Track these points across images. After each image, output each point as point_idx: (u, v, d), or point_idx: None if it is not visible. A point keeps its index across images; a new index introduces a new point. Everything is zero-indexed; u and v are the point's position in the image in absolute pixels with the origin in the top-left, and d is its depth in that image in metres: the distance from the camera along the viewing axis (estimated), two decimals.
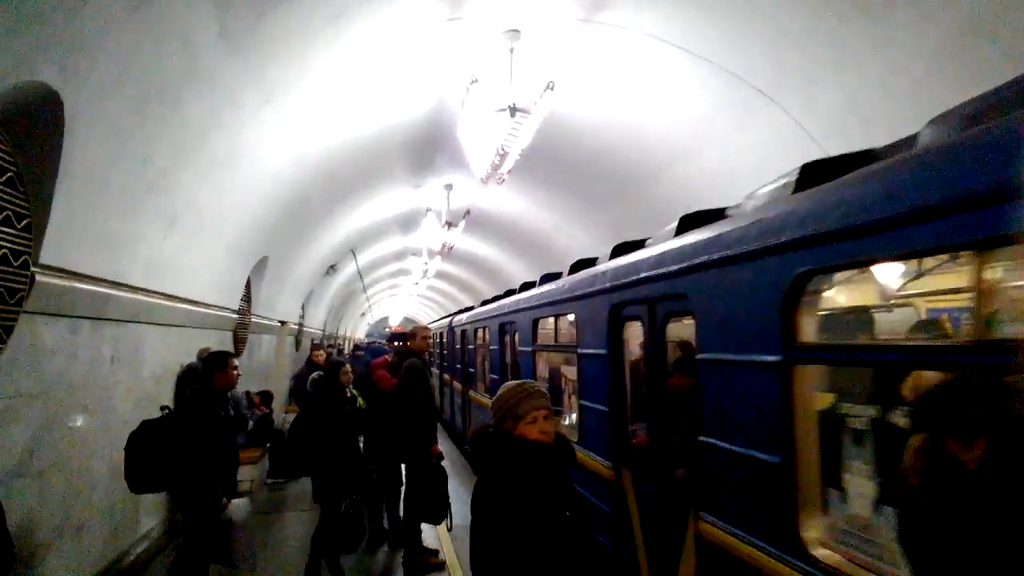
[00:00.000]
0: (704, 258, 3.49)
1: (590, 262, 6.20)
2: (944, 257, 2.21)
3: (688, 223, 3.97)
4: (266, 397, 10.84)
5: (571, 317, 5.94)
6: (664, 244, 4.17)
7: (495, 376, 9.56)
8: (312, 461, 5.78)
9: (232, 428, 4.83)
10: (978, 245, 1.93)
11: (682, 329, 4.05)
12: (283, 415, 14.69)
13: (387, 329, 52.33)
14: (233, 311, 9.82)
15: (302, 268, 14.20)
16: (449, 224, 12.92)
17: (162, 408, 4.71)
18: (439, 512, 6.12)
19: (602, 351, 5.00)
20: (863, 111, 5.08)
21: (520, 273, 16.94)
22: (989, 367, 1.95)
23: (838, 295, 2.87)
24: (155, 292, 6.55)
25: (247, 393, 10.07)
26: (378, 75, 7.09)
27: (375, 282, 27.64)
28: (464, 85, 6.76)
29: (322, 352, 9.99)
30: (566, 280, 6.26)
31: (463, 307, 20.21)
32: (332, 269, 17.08)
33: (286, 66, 6.07)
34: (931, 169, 2.12)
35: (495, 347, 9.62)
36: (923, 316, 2.53)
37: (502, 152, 6.80)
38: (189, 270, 7.46)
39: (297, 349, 18.20)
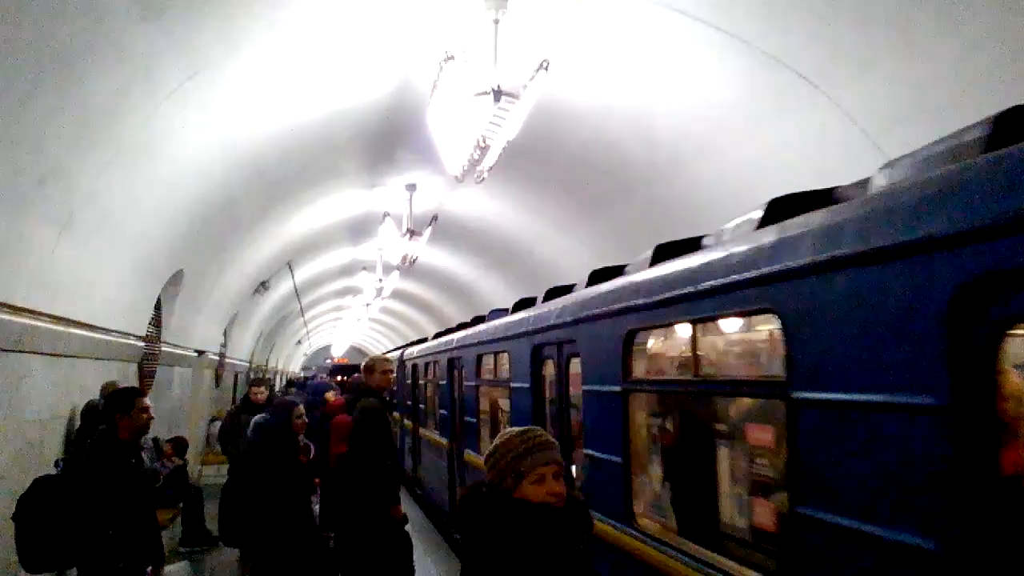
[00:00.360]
0: (584, 313, 5.58)
1: (531, 301, 8.18)
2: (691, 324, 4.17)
3: (663, 253, 5.08)
4: (179, 445, 10.59)
5: (506, 354, 7.91)
6: (574, 295, 6.24)
7: (444, 412, 11.50)
8: (256, 526, 5.62)
9: (148, 482, 4.72)
10: (693, 320, 4.11)
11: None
12: (199, 467, 14.43)
13: (328, 360, 51.96)
14: (139, 338, 9.65)
15: (226, 285, 14.06)
16: (411, 232, 12.83)
17: (57, 463, 4.57)
18: None
19: (527, 385, 7.00)
20: (930, 103, 5.12)
21: (496, 293, 16.90)
22: (710, 392, 4.29)
23: (651, 345, 5.05)
24: (42, 314, 6.38)
25: (156, 440, 9.84)
26: (329, 48, 7.02)
27: (316, 303, 27.44)
28: (437, 63, 6.69)
29: (264, 389, 9.78)
30: (503, 320, 8.33)
31: (419, 338, 21.20)
32: (263, 287, 16.99)
33: (217, 34, 5.98)
34: (682, 271, 4.25)
35: (444, 382, 11.48)
36: (689, 360, 4.27)
37: (483, 144, 6.73)
38: (86, 285, 7.29)
39: (217, 385, 17.95)
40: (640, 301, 4.61)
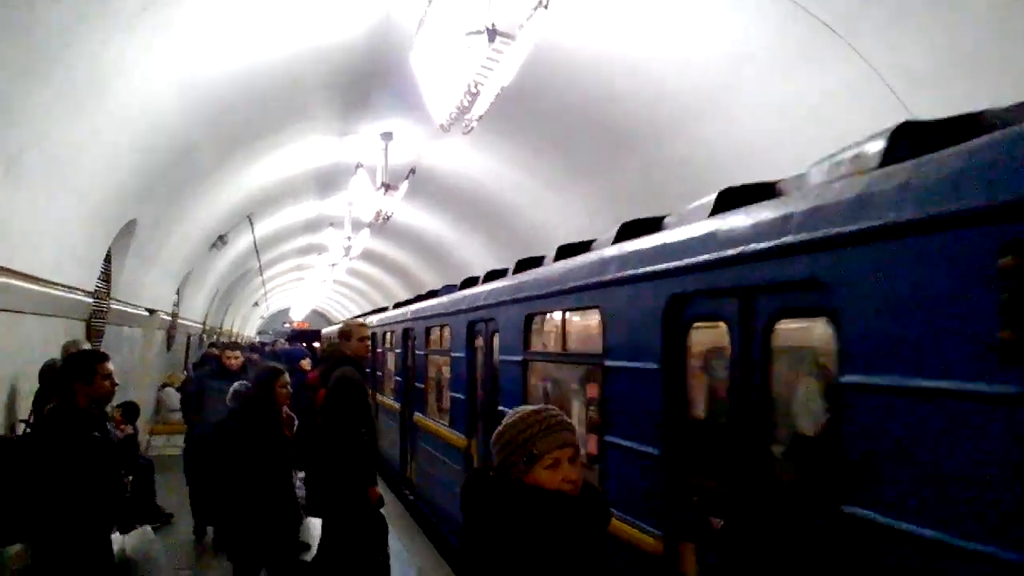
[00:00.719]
0: (499, 298, 7.54)
1: (475, 281, 9.91)
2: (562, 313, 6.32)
3: (564, 252, 6.66)
4: (129, 411, 10.54)
5: (448, 328, 9.94)
6: (497, 282, 8.10)
7: (399, 378, 13.77)
8: (232, 503, 5.66)
9: (111, 451, 4.71)
10: (565, 311, 6.24)
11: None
12: (147, 437, 14.41)
13: (286, 325, 51.79)
14: (88, 293, 9.56)
15: (180, 238, 13.98)
16: (386, 186, 12.76)
17: (13, 428, 4.53)
18: None
19: (462, 355, 9.00)
20: (964, 60, 5.11)
21: (479, 258, 16.87)
22: (570, 362, 6.42)
23: (542, 326, 6.82)
24: None
25: None
26: None
27: (276, 261, 27.31)
28: None
29: (238, 354, 9.66)
30: (449, 297, 10.35)
31: (381, 307, 22.14)
32: (221, 241, 16.89)
33: None
34: (562, 271, 6.18)
35: (400, 350, 13.65)
36: (559, 339, 6.46)
37: (474, 90, 6.69)
38: (30, 234, 7.21)
39: (169, 348, 17.87)
40: (533, 293, 6.60)
